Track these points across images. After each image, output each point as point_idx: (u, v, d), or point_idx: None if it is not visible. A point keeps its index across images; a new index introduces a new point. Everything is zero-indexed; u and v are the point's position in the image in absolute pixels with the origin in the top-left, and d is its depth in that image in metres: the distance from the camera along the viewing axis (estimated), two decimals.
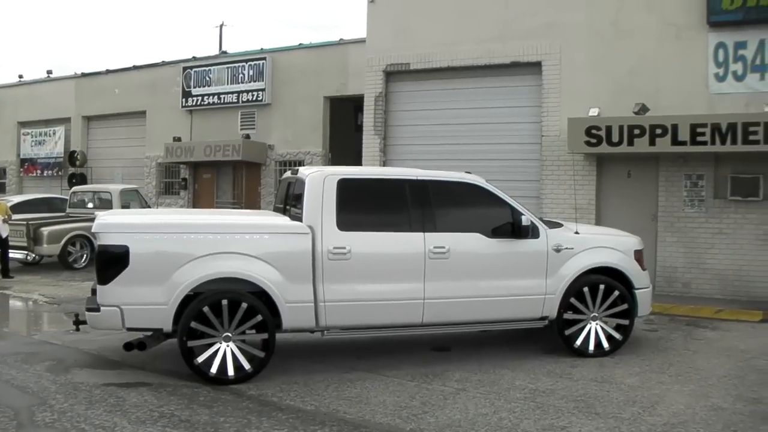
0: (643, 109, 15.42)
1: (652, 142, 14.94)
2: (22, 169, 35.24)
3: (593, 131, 15.52)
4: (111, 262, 8.58)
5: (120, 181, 29.00)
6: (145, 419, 7.38)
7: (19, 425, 7.15)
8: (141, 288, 8.58)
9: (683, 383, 9.10)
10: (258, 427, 7.22)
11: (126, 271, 8.55)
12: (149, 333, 9.07)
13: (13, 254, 19.22)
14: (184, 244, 8.80)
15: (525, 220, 9.86)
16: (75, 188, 24.60)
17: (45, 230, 20.07)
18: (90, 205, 22.15)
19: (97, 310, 8.62)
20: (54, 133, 33.77)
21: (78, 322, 9.29)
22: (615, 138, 15.27)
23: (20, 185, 35.13)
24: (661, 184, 16.11)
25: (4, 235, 18.42)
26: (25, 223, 19.81)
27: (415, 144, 18.99)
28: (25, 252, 19.99)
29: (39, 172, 34.42)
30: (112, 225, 8.85)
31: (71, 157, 31.80)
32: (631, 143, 15.16)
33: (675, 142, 14.71)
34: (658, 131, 14.84)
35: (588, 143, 15.57)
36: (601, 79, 16.68)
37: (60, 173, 33.21)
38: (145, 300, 8.59)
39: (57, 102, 33.26)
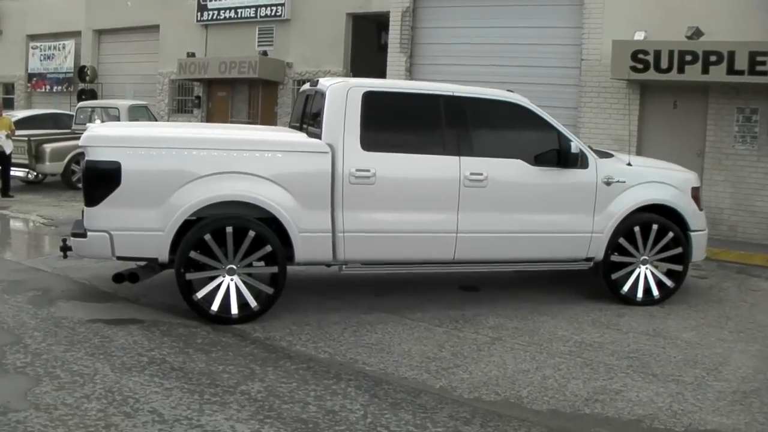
0: (696, 34, 14.04)
1: (705, 71, 13.57)
2: (30, 85, 34.07)
3: (640, 56, 14.14)
4: (100, 180, 7.49)
5: (131, 97, 27.73)
6: (132, 365, 6.33)
7: None
8: (134, 211, 7.51)
9: (747, 341, 8.05)
10: (262, 380, 6.17)
11: (117, 192, 7.46)
12: (142, 263, 7.99)
13: (13, 172, 18.21)
14: (184, 161, 7.66)
15: (574, 147, 8.70)
16: (81, 104, 23.49)
17: (48, 147, 19.01)
18: (97, 121, 20.94)
19: (84, 235, 7.58)
20: (63, 48, 32.48)
21: (65, 248, 8.19)
22: (664, 64, 13.91)
23: (29, 101, 33.98)
24: (710, 117, 14.76)
25: (8, 152, 17.41)
26: (26, 139, 18.75)
27: (444, 63, 17.62)
28: (27, 170, 19.00)
29: (48, 87, 33.24)
30: (102, 138, 7.71)
31: (81, 72, 30.63)
32: (681, 71, 13.81)
33: (731, 71, 13.34)
34: (713, 58, 13.46)
35: (634, 69, 14.20)
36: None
37: (70, 89, 32.01)
38: (138, 225, 7.52)
39: (67, 15, 31.82)
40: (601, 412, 5.92)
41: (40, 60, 33.52)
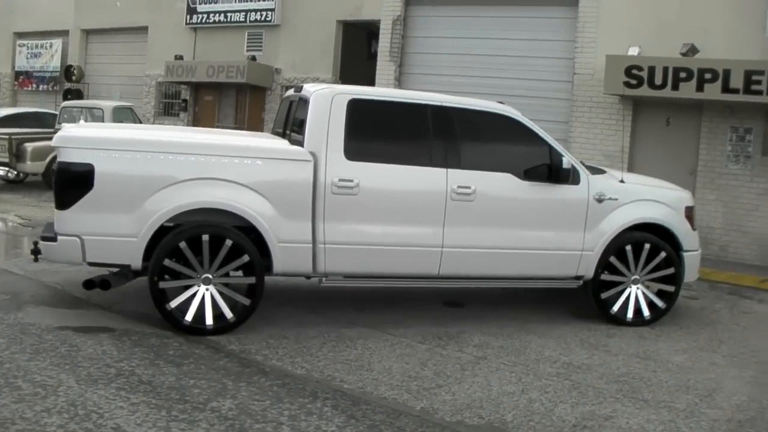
0: (692, 51, 13.86)
1: (699, 88, 13.39)
2: (17, 83, 33.66)
3: (634, 71, 13.96)
4: (72, 182, 7.18)
5: (118, 99, 27.42)
6: (98, 377, 6.00)
7: None
8: (106, 216, 7.20)
9: (740, 367, 7.75)
10: (234, 396, 5.85)
11: (89, 195, 7.15)
12: (115, 269, 7.67)
13: None
14: (161, 165, 7.35)
15: (565, 162, 8.42)
16: (65, 103, 23.12)
17: (29, 146, 18.61)
18: (81, 121, 20.60)
19: (54, 239, 7.26)
20: (51, 46, 32.09)
21: (36, 251, 7.83)
22: (658, 80, 13.74)
23: (14, 99, 33.57)
24: (703, 136, 14.58)
25: None
26: (7, 137, 18.37)
27: (434, 74, 17.37)
28: (7, 169, 18.61)
29: (35, 86, 32.85)
30: (75, 139, 7.38)
31: (67, 71, 30.23)
32: (675, 87, 13.63)
33: (726, 89, 13.17)
34: (708, 76, 13.28)
35: (627, 84, 13.99)
36: (644, 15, 15.09)
37: (56, 88, 31.62)
38: (110, 230, 7.21)
39: (55, 13, 31.49)
40: None
41: (27, 58, 33.11)
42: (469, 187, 8.12)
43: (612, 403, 6.41)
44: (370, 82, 18.20)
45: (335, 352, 7.19)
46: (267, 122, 24.25)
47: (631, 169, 14.81)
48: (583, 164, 8.98)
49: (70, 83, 30.14)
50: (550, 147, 8.55)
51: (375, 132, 8.15)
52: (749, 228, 14.22)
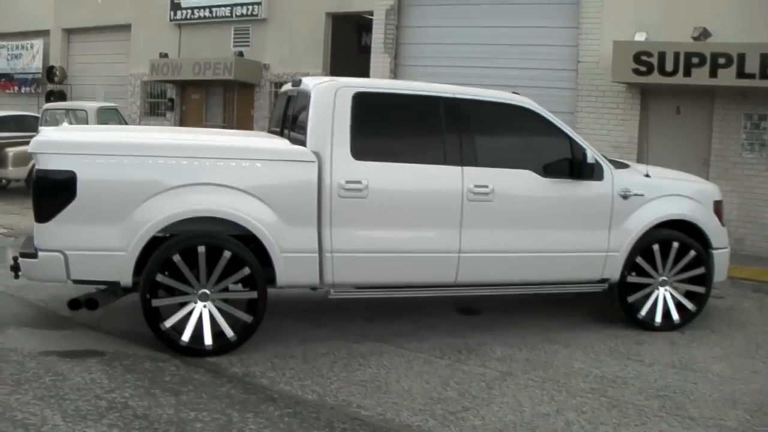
0: (704, 35, 13.27)
1: (713, 74, 12.80)
2: None
3: (643, 58, 13.36)
4: (52, 192, 6.52)
5: (102, 99, 26.82)
6: (87, 412, 5.34)
7: None
8: (92, 228, 6.55)
9: None
10: (241, 431, 5.19)
11: (72, 205, 6.49)
12: (103, 287, 7.00)
13: None
14: (150, 170, 6.69)
15: (588, 156, 7.81)
16: (47, 105, 22.49)
17: (10, 151, 17.98)
18: (65, 123, 19.92)
19: (34, 255, 6.59)
20: (32, 47, 31.42)
21: (17, 268, 7.14)
22: (669, 67, 13.14)
23: None
24: (715, 124, 13.98)
25: None
26: None
27: (430, 65, 16.71)
28: None
29: (16, 88, 32.19)
30: (54, 143, 6.71)
31: (49, 72, 29.64)
32: (687, 74, 13.03)
33: (741, 74, 12.58)
34: (721, 61, 12.69)
35: (636, 72, 13.41)
36: None
37: (38, 90, 31.00)
38: (96, 244, 6.55)
39: (35, 12, 30.77)
40: None
41: (7, 60, 32.48)
42: (486, 186, 7.49)
43: (657, 422, 5.81)
44: (362, 76, 17.53)
45: (348, 372, 6.56)
46: (256, 120, 23.75)
47: (640, 160, 14.20)
48: (606, 158, 8.36)
49: (52, 84, 29.61)
50: (571, 140, 7.95)
51: (383, 128, 7.53)
52: (766, 219, 13.63)
